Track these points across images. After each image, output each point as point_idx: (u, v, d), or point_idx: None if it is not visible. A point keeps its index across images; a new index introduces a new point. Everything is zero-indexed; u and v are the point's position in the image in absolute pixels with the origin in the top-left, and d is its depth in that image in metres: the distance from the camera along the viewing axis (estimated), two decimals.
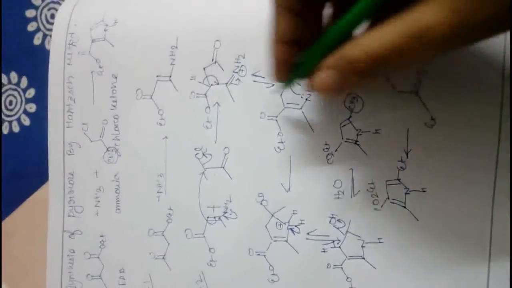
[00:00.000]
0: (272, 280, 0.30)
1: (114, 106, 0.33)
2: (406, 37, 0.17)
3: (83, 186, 0.34)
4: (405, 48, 0.17)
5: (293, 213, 0.29)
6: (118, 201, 0.33)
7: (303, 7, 0.22)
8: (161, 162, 0.32)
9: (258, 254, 0.30)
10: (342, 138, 0.28)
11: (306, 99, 0.28)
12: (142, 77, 0.32)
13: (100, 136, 0.34)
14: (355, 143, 0.28)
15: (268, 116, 0.29)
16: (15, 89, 0.37)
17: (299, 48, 0.23)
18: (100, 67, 0.33)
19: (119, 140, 0.33)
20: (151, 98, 0.32)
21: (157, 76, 0.32)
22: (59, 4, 0.36)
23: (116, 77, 0.33)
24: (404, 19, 0.17)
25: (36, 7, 0.37)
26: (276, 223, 0.30)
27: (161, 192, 0.32)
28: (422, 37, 0.16)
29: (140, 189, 0.32)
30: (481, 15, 0.16)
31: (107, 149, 0.33)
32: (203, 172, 0.31)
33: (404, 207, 0.27)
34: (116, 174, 0.33)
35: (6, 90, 0.37)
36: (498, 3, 0.16)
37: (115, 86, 0.33)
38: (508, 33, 0.25)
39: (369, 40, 0.18)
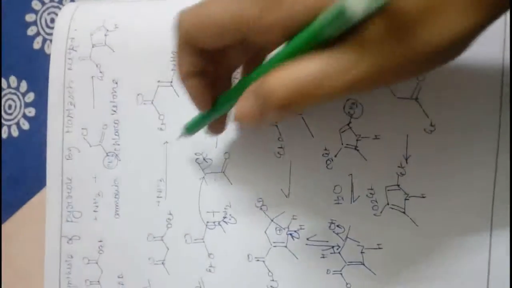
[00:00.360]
0: (271, 286, 0.30)
1: (115, 111, 0.33)
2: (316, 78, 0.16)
3: (82, 191, 0.34)
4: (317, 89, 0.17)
5: (293, 218, 0.29)
6: (117, 206, 0.33)
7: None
8: (162, 167, 0.32)
9: (257, 260, 0.30)
10: (342, 144, 0.28)
11: None
12: (143, 82, 0.32)
13: (100, 141, 0.33)
14: (355, 149, 0.28)
15: None
16: (15, 93, 0.37)
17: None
18: (101, 72, 0.33)
19: (119, 145, 0.33)
20: (152, 103, 0.32)
21: (158, 81, 0.32)
22: (59, 8, 0.36)
23: (116, 82, 0.33)
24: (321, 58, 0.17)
25: (36, 12, 0.37)
26: (276, 228, 0.30)
27: (161, 197, 0.32)
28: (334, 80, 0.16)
29: (139, 194, 0.32)
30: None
31: (107, 154, 0.33)
32: (204, 177, 0.31)
33: (404, 213, 0.27)
34: (116, 179, 0.33)
35: (6, 94, 0.37)
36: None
37: (115, 91, 0.33)
38: (506, 39, 0.25)
39: (288, 72, 0.17)
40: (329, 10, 0.16)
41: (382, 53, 0.16)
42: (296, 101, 0.17)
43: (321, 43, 0.17)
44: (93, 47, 0.33)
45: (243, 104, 0.19)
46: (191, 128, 0.28)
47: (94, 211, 0.34)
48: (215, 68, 0.24)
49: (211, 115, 0.25)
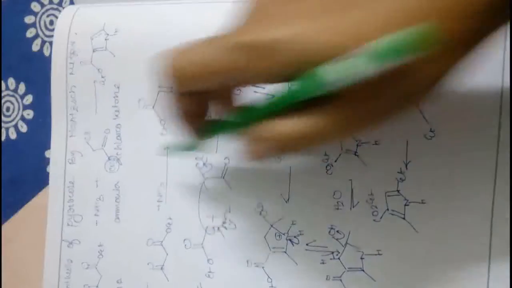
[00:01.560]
0: None
1: (117, 115, 0.33)
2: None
3: (83, 195, 0.34)
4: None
5: (292, 224, 0.29)
6: (117, 210, 0.33)
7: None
8: (162, 171, 0.32)
9: (256, 266, 0.30)
10: (342, 149, 0.28)
11: None
12: (144, 87, 0.32)
13: (102, 145, 0.34)
14: (355, 154, 0.28)
15: None
16: (13, 95, 0.37)
17: None
18: (102, 76, 0.34)
19: (121, 149, 0.33)
20: (153, 108, 0.32)
21: (159, 86, 0.32)
22: (58, 11, 0.36)
23: (118, 87, 0.33)
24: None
25: (35, 14, 0.37)
26: (275, 233, 0.29)
27: (161, 201, 0.32)
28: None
29: (140, 198, 0.32)
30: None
31: (109, 158, 0.33)
32: (204, 182, 0.31)
33: (404, 218, 0.27)
34: (117, 183, 0.33)
35: (4, 96, 0.37)
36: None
37: (117, 96, 0.33)
38: (507, 46, 0.25)
39: (288, 126, 0.21)
40: (305, 77, 0.18)
41: (351, 118, 0.19)
42: (290, 149, 0.21)
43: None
44: (94, 51, 0.33)
45: (253, 149, 0.22)
46: (174, 152, 0.31)
47: (95, 215, 0.34)
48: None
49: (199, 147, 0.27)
